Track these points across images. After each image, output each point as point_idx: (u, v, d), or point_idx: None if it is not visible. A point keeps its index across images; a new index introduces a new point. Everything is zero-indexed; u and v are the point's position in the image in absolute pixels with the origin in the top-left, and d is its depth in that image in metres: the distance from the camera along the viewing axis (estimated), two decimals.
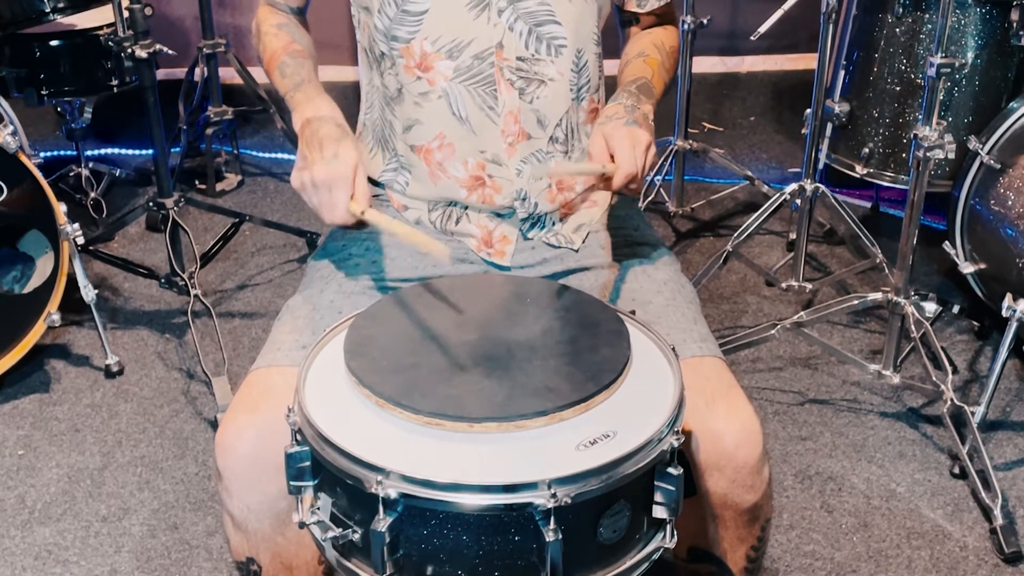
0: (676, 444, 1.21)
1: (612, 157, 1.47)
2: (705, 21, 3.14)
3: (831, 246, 3.28)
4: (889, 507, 2.29)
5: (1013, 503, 2.29)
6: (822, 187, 2.84)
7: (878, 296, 2.51)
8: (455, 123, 1.61)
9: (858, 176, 2.99)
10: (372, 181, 1.73)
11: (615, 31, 1.78)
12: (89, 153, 3.61)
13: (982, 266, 2.68)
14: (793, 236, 3.08)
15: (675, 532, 1.26)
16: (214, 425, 2.52)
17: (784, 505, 2.29)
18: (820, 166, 3.09)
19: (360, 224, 1.46)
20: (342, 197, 1.43)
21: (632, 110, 1.54)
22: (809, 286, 2.95)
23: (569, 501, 1.12)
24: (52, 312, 2.59)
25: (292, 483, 1.26)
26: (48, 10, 2.82)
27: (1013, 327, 2.34)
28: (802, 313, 2.60)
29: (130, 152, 3.87)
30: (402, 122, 1.64)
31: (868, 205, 3.47)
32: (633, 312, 1.46)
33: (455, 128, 1.61)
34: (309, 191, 1.45)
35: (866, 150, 2.94)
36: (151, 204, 2.86)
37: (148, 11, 2.62)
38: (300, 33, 1.72)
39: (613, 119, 1.52)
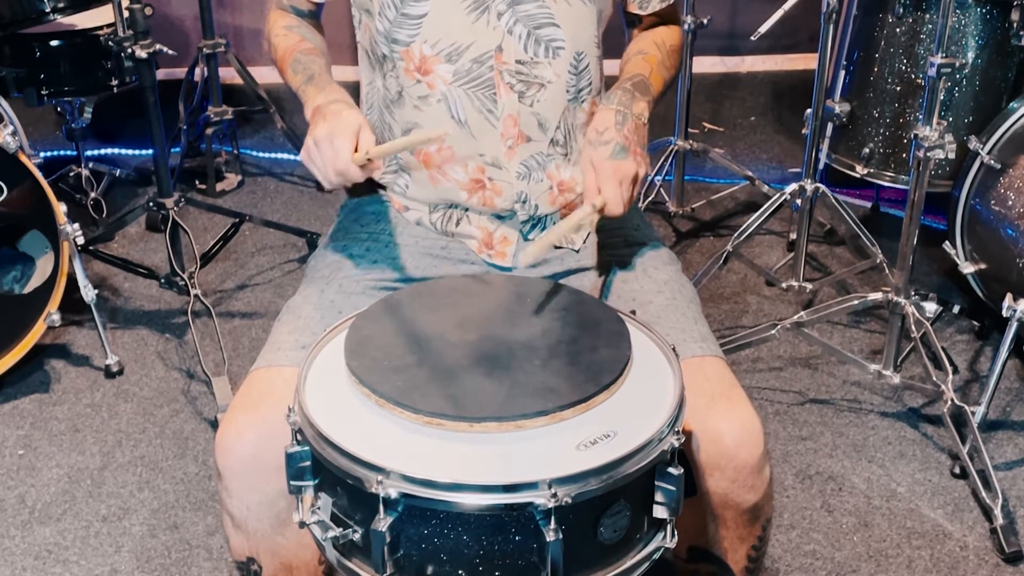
0: (676, 444, 1.22)
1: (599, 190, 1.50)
2: (705, 21, 3.14)
3: (831, 246, 3.28)
4: (889, 507, 2.29)
5: (1013, 503, 2.29)
6: (822, 187, 2.84)
7: (878, 296, 2.51)
8: (454, 127, 1.61)
9: (858, 176, 2.99)
10: (373, 182, 1.73)
11: (617, 31, 1.78)
12: (89, 153, 3.60)
13: (982, 266, 2.68)
14: (793, 236, 3.07)
15: (675, 532, 1.26)
16: (214, 425, 2.52)
17: (784, 505, 2.29)
18: (820, 166, 3.09)
19: (364, 196, 1.47)
20: (344, 145, 1.45)
21: (623, 119, 1.54)
22: (809, 286, 2.95)
23: (569, 501, 1.12)
24: (52, 312, 2.59)
25: (292, 483, 1.26)
26: (48, 10, 2.82)
27: (1013, 327, 2.34)
28: (802, 313, 2.60)
29: (130, 152, 3.87)
30: (401, 125, 1.64)
31: (868, 205, 3.47)
32: (633, 312, 1.46)
33: (454, 132, 1.61)
34: (313, 152, 1.47)
35: (866, 150, 2.94)
36: (151, 204, 2.86)
37: (148, 11, 2.62)
38: (311, 33, 1.72)
39: (601, 143, 1.52)
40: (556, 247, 1.68)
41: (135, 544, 2.21)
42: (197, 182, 3.65)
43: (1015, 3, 2.56)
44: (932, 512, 2.28)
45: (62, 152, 3.78)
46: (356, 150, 1.46)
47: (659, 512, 1.23)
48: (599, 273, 1.67)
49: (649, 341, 1.39)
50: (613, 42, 1.76)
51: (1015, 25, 2.59)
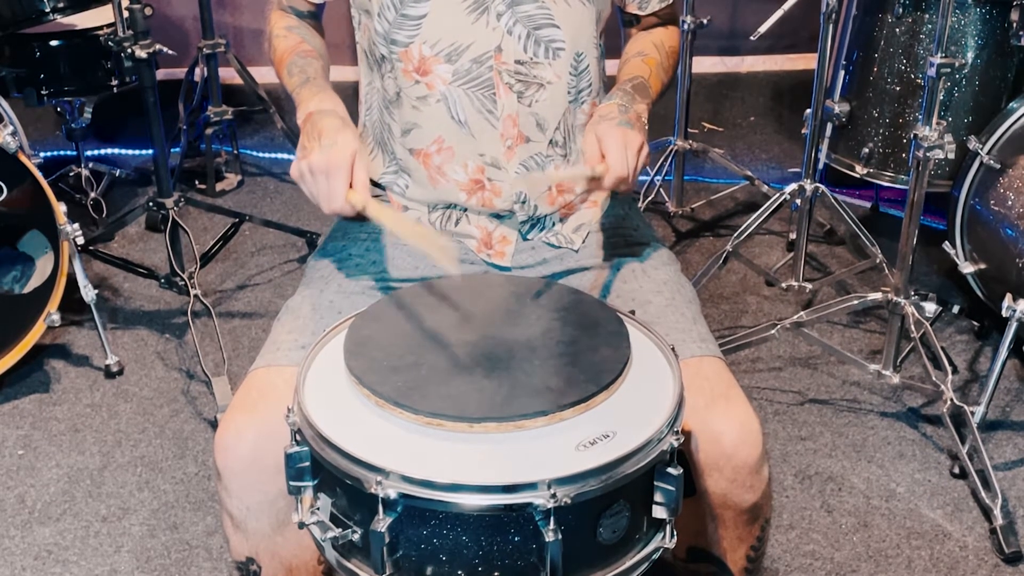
0: (676, 444, 1.22)
1: (604, 157, 1.46)
2: (705, 21, 3.14)
3: (831, 246, 3.28)
4: (889, 507, 2.29)
5: (1013, 503, 2.29)
6: (822, 187, 2.84)
7: (878, 296, 2.51)
8: (454, 127, 1.61)
9: (858, 176, 2.99)
10: (372, 182, 1.73)
11: (616, 31, 1.78)
12: (89, 153, 3.61)
13: (982, 266, 2.68)
14: (793, 236, 3.08)
15: (675, 532, 1.26)
16: (214, 425, 2.52)
17: (784, 505, 2.29)
18: (820, 166, 3.09)
19: (360, 216, 1.45)
20: (340, 185, 1.43)
21: (625, 110, 1.54)
22: (809, 286, 2.95)
23: (569, 501, 1.12)
24: (52, 312, 2.59)
25: (292, 483, 1.26)
26: (48, 10, 2.82)
27: (1013, 327, 2.34)
28: (802, 313, 2.60)
29: (130, 152, 3.87)
30: (400, 126, 1.64)
31: (868, 205, 3.48)
32: (633, 312, 1.46)
33: (454, 132, 1.61)
34: (307, 179, 1.45)
35: (866, 150, 2.94)
36: (151, 204, 2.86)
37: (148, 11, 2.62)
38: (310, 35, 1.72)
39: (606, 119, 1.51)
40: (555, 247, 1.68)
41: (135, 544, 2.21)
42: (197, 182, 3.65)
43: (1015, 3, 2.56)
44: (931, 512, 2.28)
45: (62, 152, 3.78)
46: (351, 184, 1.43)
47: (658, 512, 1.23)
48: (599, 273, 1.67)
49: (648, 341, 1.39)
50: (613, 42, 1.76)
51: (1015, 25, 2.59)
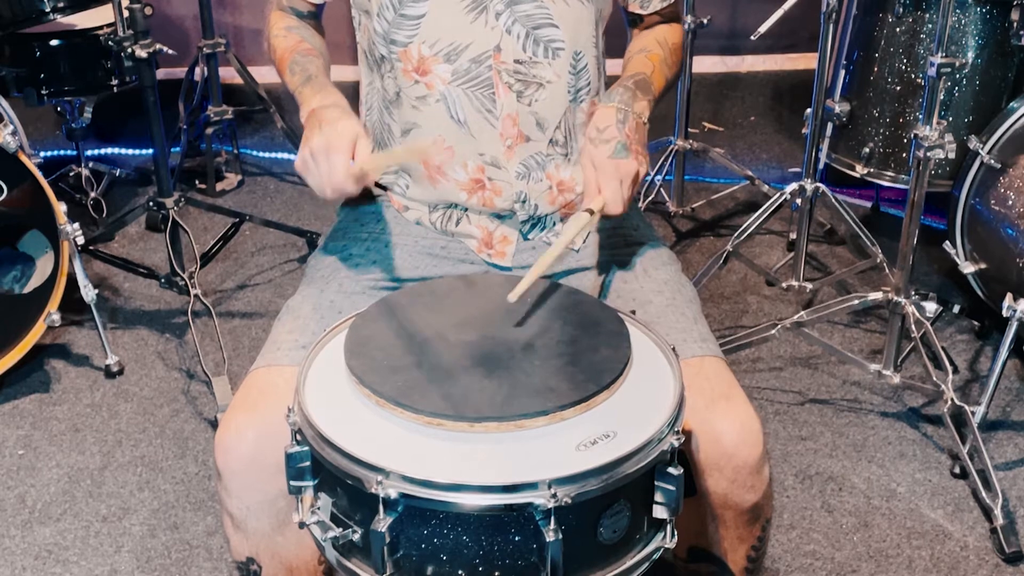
0: (676, 444, 1.21)
1: (600, 191, 1.49)
2: (705, 21, 3.15)
3: (831, 246, 3.28)
4: (889, 507, 2.29)
5: (1013, 503, 2.29)
6: (822, 187, 2.84)
7: (878, 296, 2.51)
8: (454, 127, 1.61)
9: (858, 176, 2.99)
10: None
11: (619, 31, 1.78)
12: (89, 153, 3.61)
13: (982, 266, 2.68)
14: (793, 236, 3.08)
15: (675, 532, 1.26)
16: (214, 425, 2.52)
17: (784, 505, 2.29)
18: (820, 166, 3.09)
19: (363, 196, 1.46)
20: (340, 161, 1.44)
21: (625, 117, 1.53)
22: (809, 286, 2.95)
23: (569, 501, 1.12)
24: (52, 312, 2.59)
25: (292, 483, 1.26)
26: (48, 10, 2.82)
27: (1013, 327, 2.34)
28: (802, 313, 2.60)
29: (130, 152, 3.87)
30: (400, 126, 1.64)
31: (868, 205, 3.47)
32: (633, 312, 1.46)
33: (454, 131, 1.61)
34: (309, 164, 1.46)
35: (866, 150, 2.94)
36: (151, 204, 2.86)
37: (148, 11, 2.62)
38: (310, 34, 1.72)
39: (602, 141, 1.51)
40: None
41: (135, 544, 2.21)
42: (197, 182, 3.65)
43: (1015, 3, 2.56)
44: (932, 512, 2.28)
45: (62, 152, 3.78)
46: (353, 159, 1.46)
47: (659, 512, 1.23)
48: (599, 273, 1.67)
49: (649, 341, 1.39)
50: (615, 42, 1.76)
51: (1015, 25, 2.59)
